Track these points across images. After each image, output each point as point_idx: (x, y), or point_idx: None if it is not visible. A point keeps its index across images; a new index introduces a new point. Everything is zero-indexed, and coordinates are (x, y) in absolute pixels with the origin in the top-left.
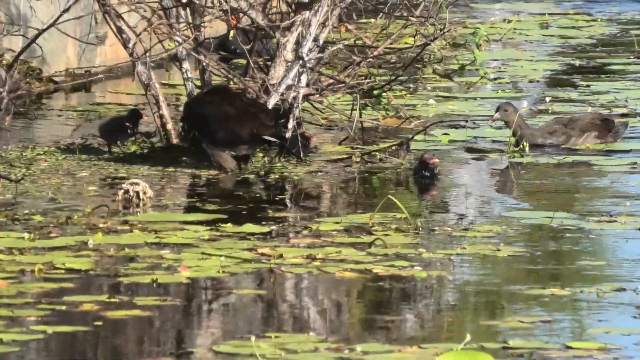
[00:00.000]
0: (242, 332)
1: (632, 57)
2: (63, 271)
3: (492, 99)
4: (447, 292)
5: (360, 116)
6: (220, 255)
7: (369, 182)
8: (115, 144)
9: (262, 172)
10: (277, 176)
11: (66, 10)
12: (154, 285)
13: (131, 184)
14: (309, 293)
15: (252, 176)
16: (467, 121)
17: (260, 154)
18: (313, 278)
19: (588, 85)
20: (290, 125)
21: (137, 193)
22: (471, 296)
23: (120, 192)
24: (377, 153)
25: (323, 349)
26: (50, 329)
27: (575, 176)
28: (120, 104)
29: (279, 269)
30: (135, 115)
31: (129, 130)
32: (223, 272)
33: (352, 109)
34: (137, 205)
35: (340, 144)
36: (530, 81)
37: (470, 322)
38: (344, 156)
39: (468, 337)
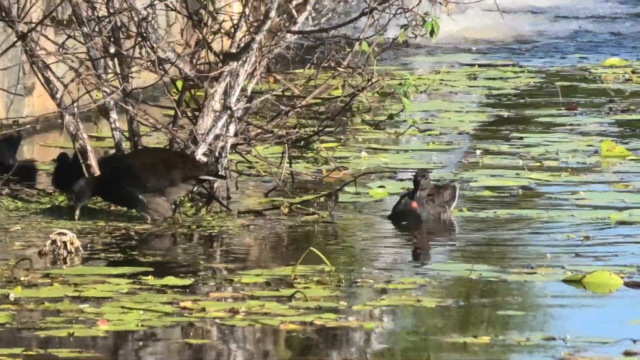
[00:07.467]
0: None
1: (561, 108)
2: None
3: (424, 151)
4: (373, 343)
5: (291, 166)
6: (140, 309)
7: (295, 235)
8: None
9: (190, 226)
10: (203, 229)
11: None
12: (71, 339)
13: (58, 234)
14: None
15: (178, 229)
16: (396, 172)
17: (188, 204)
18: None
19: (521, 138)
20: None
21: (65, 243)
22: (397, 346)
23: (48, 243)
24: (296, 205)
25: None
26: None
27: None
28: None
29: (213, 321)
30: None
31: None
32: (142, 325)
33: (281, 160)
34: (65, 257)
35: (266, 195)
36: (460, 133)
37: None
38: (271, 207)
39: None
